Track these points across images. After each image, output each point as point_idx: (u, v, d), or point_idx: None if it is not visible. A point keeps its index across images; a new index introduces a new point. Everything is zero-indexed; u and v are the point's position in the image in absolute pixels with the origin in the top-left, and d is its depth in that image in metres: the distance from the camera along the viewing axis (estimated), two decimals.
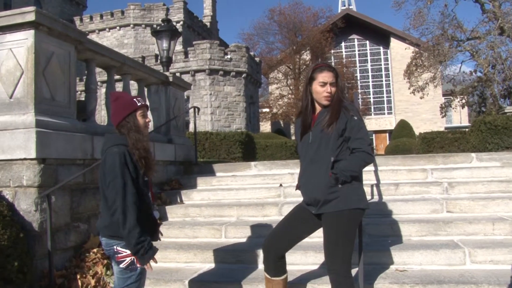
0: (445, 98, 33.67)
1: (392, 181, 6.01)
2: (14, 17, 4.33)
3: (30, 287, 3.86)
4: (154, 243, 2.90)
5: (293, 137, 32.65)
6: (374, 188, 5.61)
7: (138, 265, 2.87)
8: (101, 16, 39.41)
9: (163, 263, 4.63)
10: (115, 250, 2.87)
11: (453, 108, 26.03)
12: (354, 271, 3.25)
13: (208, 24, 42.30)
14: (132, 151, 2.84)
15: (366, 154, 2.94)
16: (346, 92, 36.06)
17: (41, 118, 4.36)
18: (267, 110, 36.30)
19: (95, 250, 4.69)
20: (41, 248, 4.20)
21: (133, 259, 2.85)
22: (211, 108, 26.40)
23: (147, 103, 7.18)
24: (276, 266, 3.19)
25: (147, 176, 3.00)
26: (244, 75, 27.35)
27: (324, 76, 3.02)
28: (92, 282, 4.30)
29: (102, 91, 21.19)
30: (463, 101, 23.39)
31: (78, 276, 4.36)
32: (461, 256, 4.01)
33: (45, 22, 4.42)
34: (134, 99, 2.97)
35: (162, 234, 3.29)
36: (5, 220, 3.76)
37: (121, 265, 2.88)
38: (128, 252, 2.83)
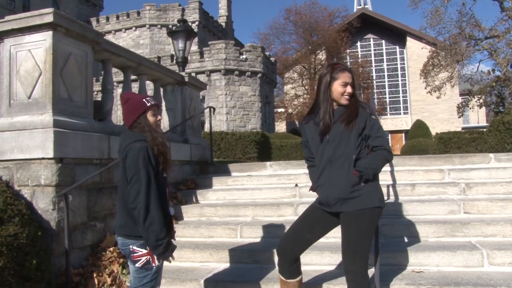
0: (462, 98, 33.24)
1: (409, 181, 5.95)
2: (33, 19, 4.40)
3: (48, 284, 3.91)
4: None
5: None
6: (390, 189, 5.56)
7: (153, 264, 2.90)
8: (117, 17, 39.76)
9: (178, 263, 4.65)
10: (131, 249, 2.89)
11: (470, 108, 25.67)
12: (370, 272, 3.23)
13: (223, 24, 42.40)
14: (152, 146, 2.88)
15: (388, 152, 2.97)
16: (362, 92, 35.89)
17: (59, 118, 4.42)
18: (282, 110, 36.24)
19: (111, 249, 4.73)
20: (59, 247, 4.25)
21: (149, 258, 2.88)
22: (226, 108, 26.46)
23: (163, 103, 7.25)
24: (291, 268, 3.18)
25: (165, 173, 3.04)
26: (259, 75, 27.35)
27: (345, 76, 3.05)
28: (108, 280, 4.34)
29: (118, 91, 21.39)
30: (481, 100, 23.04)
31: (95, 275, 4.40)
32: (479, 258, 3.96)
33: (63, 23, 4.47)
34: (144, 100, 3.01)
35: (175, 232, 3.32)
36: (24, 219, 3.81)
37: (137, 265, 2.90)
38: (144, 251, 2.86)
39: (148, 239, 2.76)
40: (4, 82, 4.60)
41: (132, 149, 2.81)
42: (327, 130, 3.05)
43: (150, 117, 2.99)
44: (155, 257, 2.89)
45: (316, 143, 3.12)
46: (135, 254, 2.89)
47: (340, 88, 3.04)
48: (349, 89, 3.04)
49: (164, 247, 2.78)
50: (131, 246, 2.89)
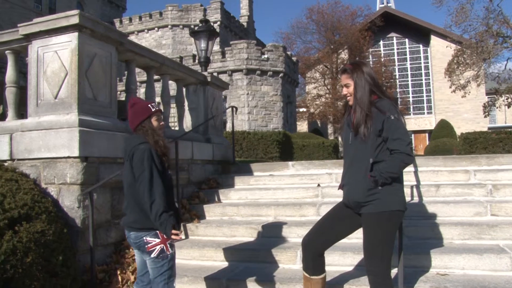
0: (488, 97, 32.56)
1: (433, 182, 5.86)
2: (59, 21, 4.48)
3: (73, 280, 3.98)
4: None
5: (330, 137, 32.38)
6: (414, 189, 5.49)
7: (168, 252, 3.10)
8: (140, 18, 40.15)
9: (200, 261, 4.68)
10: (145, 240, 3.07)
11: (497, 108, 25.11)
12: (393, 274, 3.19)
13: (245, 24, 42.44)
14: (155, 148, 3.09)
15: (405, 155, 2.88)
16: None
17: (84, 117, 4.49)
18: (304, 109, 36.07)
19: None
20: (83, 244, 4.33)
21: (163, 246, 3.07)
22: (248, 108, 26.48)
23: (186, 103, 7.29)
24: (315, 264, 3.17)
25: (169, 168, 3.28)
26: (281, 74, 27.28)
27: (342, 79, 3.13)
28: (132, 278, 4.39)
29: (141, 91, 21.61)
30: (509, 100, 22.54)
31: (118, 272, 4.46)
32: (507, 261, 3.86)
33: (88, 25, 4.54)
34: (149, 105, 3.23)
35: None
36: (50, 216, 3.89)
37: (152, 255, 3.07)
38: (157, 240, 3.06)
39: (160, 226, 2.91)
40: (31, 82, 4.69)
41: (138, 150, 3.03)
42: (348, 130, 3.11)
43: (154, 121, 3.21)
44: (169, 246, 3.10)
45: (345, 142, 3.18)
46: (149, 245, 3.06)
47: (343, 90, 3.12)
48: (344, 90, 3.10)
49: (170, 218, 2.93)
50: (144, 238, 3.07)
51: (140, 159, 2.99)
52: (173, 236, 2.91)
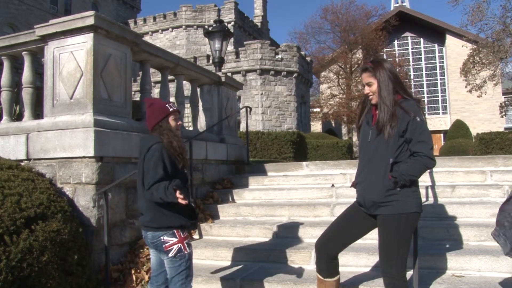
0: (505, 97, 32.13)
1: (448, 183, 5.79)
2: (75, 22, 4.52)
3: (88, 279, 4.01)
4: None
5: (344, 137, 32.20)
6: (429, 190, 5.43)
7: (185, 252, 3.13)
8: (154, 18, 40.36)
9: (214, 261, 4.69)
10: (162, 240, 3.10)
11: None
12: (408, 275, 3.16)
13: (259, 24, 42.43)
14: (168, 148, 3.12)
15: (428, 159, 2.84)
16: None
17: (99, 117, 4.53)
18: (318, 110, 35.94)
19: None
20: (98, 243, 4.36)
21: (180, 246, 3.10)
22: (262, 108, 26.47)
23: (200, 103, 7.31)
24: (329, 267, 3.14)
25: (185, 168, 3.30)
26: (295, 74, 27.23)
27: (363, 78, 3.08)
28: (146, 277, 4.41)
29: (155, 91, 21.76)
30: None
31: (133, 271, 4.49)
32: None
33: (103, 25, 4.58)
34: (167, 105, 3.27)
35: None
36: (66, 215, 3.93)
37: (170, 254, 3.10)
38: (175, 239, 3.09)
39: (161, 196, 2.95)
40: (47, 83, 4.75)
41: (150, 150, 3.09)
42: (366, 128, 3.07)
43: (171, 121, 3.25)
44: (186, 245, 3.14)
45: (361, 140, 3.14)
46: (166, 244, 3.09)
47: (365, 89, 3.07)
48: (366, 89, 3.04)
49: (170, 189, 2.94)
50: (162, 237, 3.09)
51: (149, 157, 3.05)
52: (179, 200, 2.90)
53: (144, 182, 3.07)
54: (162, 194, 2.93)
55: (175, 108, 3.29)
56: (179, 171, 3.20)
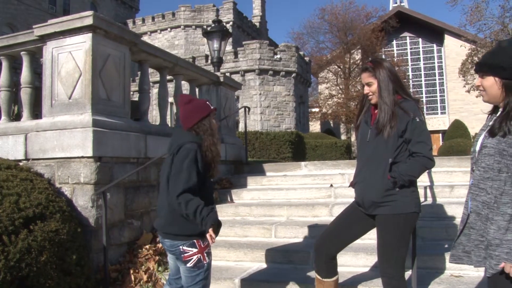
0: None
1: (447, 183, 5.80)
2: (73, 22, 4.52)
3: (87, 279, 4.01)
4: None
5: (342, 137, 32.21)
6: (428, 190, 5.44)
7: (205, 262, 2.92)
8: (153, 18, 40.36)
9: (213, 261, 4.66)
10: (181, 250, 2.89)
11: None
12: (407, 275, 3.16)
13: (257, 24, 42.45)
14: (205, 151, 2.91)
15: (427, 159, 2.84)
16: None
17: (98, 117, 4.52)
18: (317, 110, 35.97)
19: (147, 246, 4.82)
20: (97, 243, 4.36)
21: (200, 256, 2.89)
22: (260, 108, 26.48)
23: None
24: (328, 267, 3.14)
25: (212, 177, 3.06)
26: (293, 74, 27.25)
27: (363, 77, 3.06)
28: (145, 277, 4.41)
29: (154, 91, 21.72)
30: None
31: (131, 271, 4.49)
32: None
33: (102, 25, 4.58)
34: (207, 102, 3.04)
35: None
36: (64, 215, 3.93)
37: (188, 264, 2.90)
38: (194, 250, 2.87)
39: (201, 225, 2.74)
40: (46, 83, 4.74)
41: (184, 149, 2.84)
42: (365, 128, 3.07)
43: (213, 120, 3.03)
44: (206, 255, 2.92)
45: (359, 140, 3.14)
46: (186, 254, 2.88)
47: (364, 89, 3.05)
48: (366, 89, 3.02)
49: (212, 219, 2.73)
50: (181, 247, 2.88)
51: (182, 157, 2.81)
52: (208, 238, 2.70)
53: (170, 184, 2.83)
54: (191, 213, 2.71)
55: (214, 106, 3.07)
56: (208, 180, 2.98)
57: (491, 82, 2.26)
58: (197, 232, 2.85)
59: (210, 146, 2.93)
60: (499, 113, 2.30)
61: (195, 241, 2.88)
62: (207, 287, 3.02)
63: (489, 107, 2.40)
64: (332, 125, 37.97)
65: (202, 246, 2.91)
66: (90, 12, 4.48)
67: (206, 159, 2.93)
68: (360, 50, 33.46)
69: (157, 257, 4.64)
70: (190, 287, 2.95)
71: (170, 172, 2.87)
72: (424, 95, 41.38)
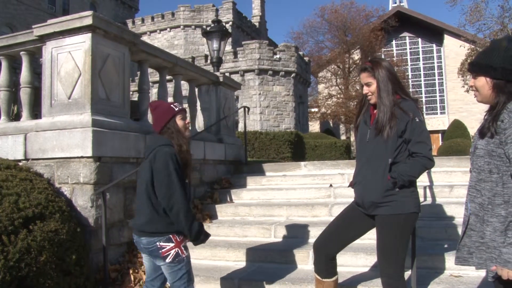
0: None
1: (446, 183, 5.80)
2: (73, 22, 4.52)
3: (86, 279, 4.01)
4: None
5: (342, 137, 32.21)
6: (428, 190, 5.44)
7: (183, 255, 3.01)
8: (152, 18, 40.34)
9: (212, 261, 4.69)
10: (158, 246, 2.96)
11: None
12: (406, 275, 3.17)
13: (257, 24, 42.43)
14: (178, 153, 3.02)
15: (427, 160, 2.84)
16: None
17: (97, 117, 4.52)
18: (316, 109, 35.99)
19: None
20: (96, 243, 4.36)
21: (178, 250, 2.98)
22: (260, 108, 26.47)
23: (198, 103, 7.31)
24: (327, 267, 3.15)
25: (187, 178, 3.18)
26: (293, 74, 27.24)
27: (361, 77, 3.04)
28: (144, 277, 4.40)
29: (153, 91, 21.71)
30: None
31: (131, 271, 4.49)
32: None
33: (102, 26, 4.58)
34: (172, 105, 3.17)
35: None
36: (64, 215, 3.92)
37: (167, 260, 2.97)
38: (171, 244, 2.96)
39: (190, 234, 2.94)
40: (45, 83, 4.74)
41: (162, 153, 2.94)
42: (365, 128, 3.06)
43: (179, 121, 3.16)
44: (183, 249, 3.02)
45: (360, 140, 3.13)
46: (163, 250, 2.95)
47: (363, 89, 3.04)
48: (365, 89, 3.01)
49: (205, 235, 3.07)
50: (158, 243, 2.96)
51: (165, 162, 2.90)
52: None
53: (158, 191, 2.91)
54: (187, 225, 2.92)
55: (180, 108, 3.19)
56: (184, 181, 3.04)
57: (483, 82, 2.26)
58: (173, 229, 2.98)
59: (181, 147, 3.06)
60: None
61: (171, 236, 2.97)
62: (191, 280, 3.10)
63: (487, 108, 2.40)
64: (331, 125, 37.97)
65: (178, 240, 2.99)
66: (89, 12, 4.48)
67: (182, 159, 3.06)
68: (359, 50, 33.47)
69: None
70: (176, 283, 3.03)
71: (148, 176, 2.97)
72: (423, 95, 41.39)
